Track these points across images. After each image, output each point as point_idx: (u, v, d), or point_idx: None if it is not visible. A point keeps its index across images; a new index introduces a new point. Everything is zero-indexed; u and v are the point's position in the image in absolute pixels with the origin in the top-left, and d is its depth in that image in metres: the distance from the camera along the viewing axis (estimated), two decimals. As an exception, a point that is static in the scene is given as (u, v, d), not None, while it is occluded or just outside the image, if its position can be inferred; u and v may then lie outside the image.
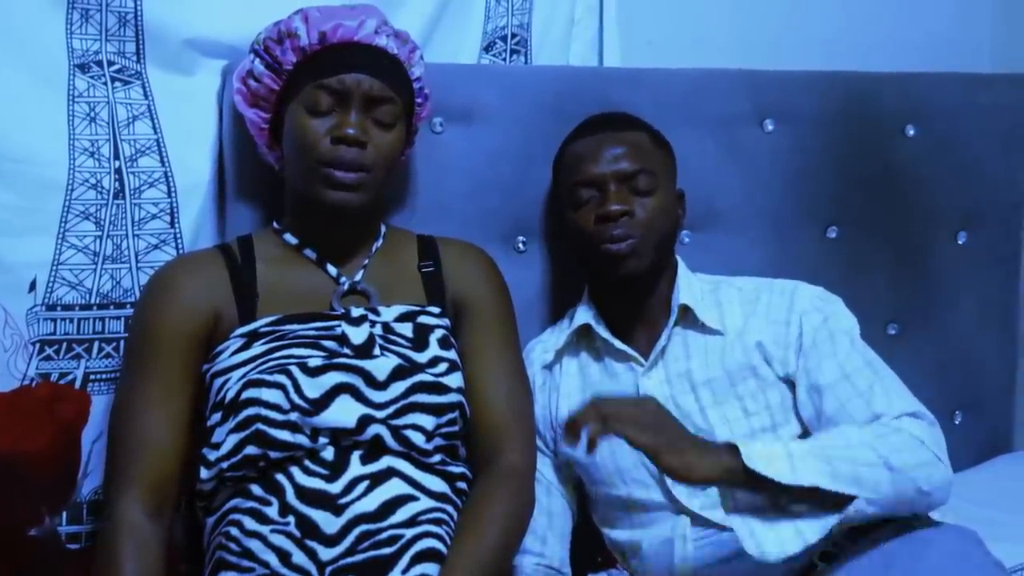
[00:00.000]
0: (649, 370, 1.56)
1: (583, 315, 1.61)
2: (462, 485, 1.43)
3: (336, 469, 1.34)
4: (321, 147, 1.41)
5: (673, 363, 1.55)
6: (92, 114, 1.56)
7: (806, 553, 1.36)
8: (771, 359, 1.52)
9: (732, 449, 1.29)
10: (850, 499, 1.29)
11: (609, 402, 1.29)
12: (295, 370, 1.35)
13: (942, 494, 1.36)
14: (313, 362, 1.36)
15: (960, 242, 2.08)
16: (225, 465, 1.35)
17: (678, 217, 1.63)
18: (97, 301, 1.55)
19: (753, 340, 1.53)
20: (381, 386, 1.37)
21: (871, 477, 1.30)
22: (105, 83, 1.57)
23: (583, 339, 1.63)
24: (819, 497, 1.28)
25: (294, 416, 1.34)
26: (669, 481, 1.49)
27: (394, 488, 1.34)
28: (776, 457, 1.29)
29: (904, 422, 1.39)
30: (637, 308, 1.58)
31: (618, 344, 1.58)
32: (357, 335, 1.39)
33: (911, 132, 2.01)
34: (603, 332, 1.59)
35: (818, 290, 1.58)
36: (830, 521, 1.28)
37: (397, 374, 1.38)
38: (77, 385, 1.55)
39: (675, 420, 1.33)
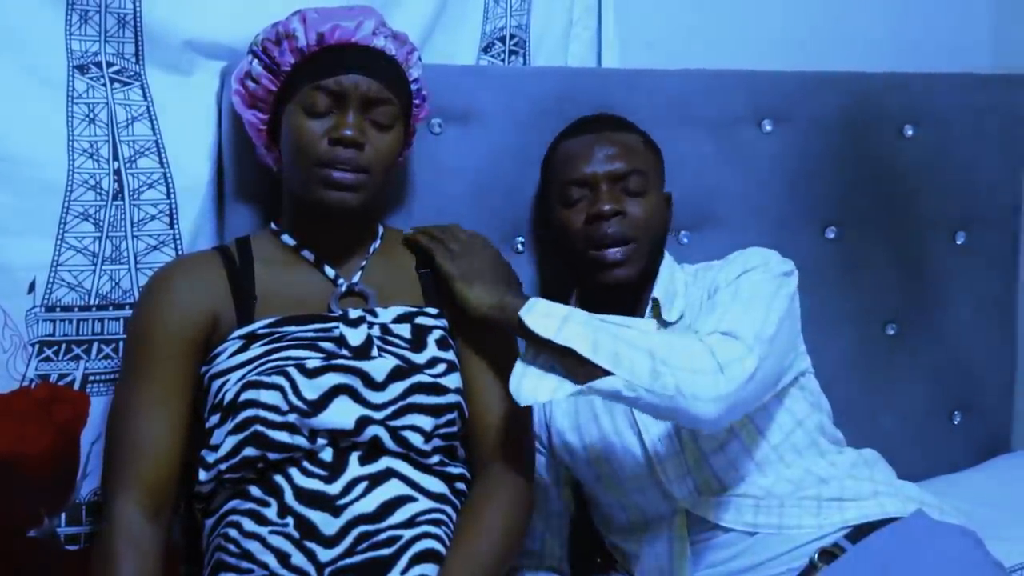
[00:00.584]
0: None
1: None
2: (461, 486, 1.43)
3: (335, 470, 1.34)
4: (319, 148, 1.40)
5: None
6: (91, 115, 1.56)
7: (805, 551, 1.37)
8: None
9: (524, 299, 1.37)
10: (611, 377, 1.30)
11: (440, 228, 1.51)
12: (293, 371, 1.35)
13: (707, 406, 1.30)
14: (311, 363, 1.36)
15: (959, 242, 2.08)
16: (224, 467, 1.35)
17: (667, 220, 1.63)
18: (96, 302, 1.55)
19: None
20: (379, 387, 1.37)
21: (630, 359, 1.30)
22: (104, 84, 1.57)
23: None
24: (582, 365, 1.30)
25: (292, 418, 1.34)
26: (661, 476, 1.49)
27: (393, 489, 1.34)
28: (553, 316, 1.34)
29: (712, 336, 1.37)
30: (623, 309, 1.57)
31: None
32: (355, 336, 1.39)
33: (909, 133, 2.01)
34: None
35: (764, 251, 1.55)
36: (584, 387, 1.30)
37: (395, 375, 1.38)
38: (76, 386, 1.54)
39: (494, 260, 1.46)
